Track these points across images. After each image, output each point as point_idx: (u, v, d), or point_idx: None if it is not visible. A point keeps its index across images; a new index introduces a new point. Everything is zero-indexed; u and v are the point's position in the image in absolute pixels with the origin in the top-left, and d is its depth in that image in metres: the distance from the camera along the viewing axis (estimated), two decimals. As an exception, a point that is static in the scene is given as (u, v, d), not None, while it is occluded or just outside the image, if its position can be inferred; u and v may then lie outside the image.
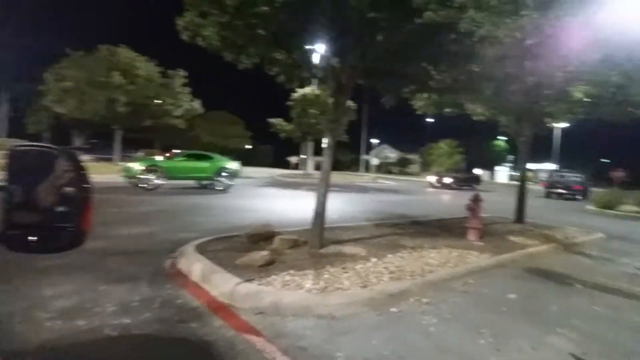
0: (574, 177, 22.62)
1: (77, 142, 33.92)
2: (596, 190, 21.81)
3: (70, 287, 3.63)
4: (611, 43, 6.65)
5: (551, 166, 52.26)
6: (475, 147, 57.87)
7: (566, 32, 4.93)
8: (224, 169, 14.83)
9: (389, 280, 4.03)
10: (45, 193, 1.04)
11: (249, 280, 3.69)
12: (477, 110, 10.45)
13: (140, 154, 29.18)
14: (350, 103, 27.77)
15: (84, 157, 16.76)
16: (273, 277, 3.83)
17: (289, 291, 3.52)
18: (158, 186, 12.93)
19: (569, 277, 5.18)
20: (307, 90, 26.88)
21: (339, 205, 12.26)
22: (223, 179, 14.63)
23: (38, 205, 1.05)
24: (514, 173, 50.53)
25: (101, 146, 26.44)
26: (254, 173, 30.97)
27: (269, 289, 3.52)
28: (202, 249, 4.76)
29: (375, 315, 3.41)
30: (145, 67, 21.98)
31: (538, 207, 14.60)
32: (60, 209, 1.08)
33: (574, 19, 5.15)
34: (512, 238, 7.12)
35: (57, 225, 1.09)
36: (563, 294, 4.46)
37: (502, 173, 48.80)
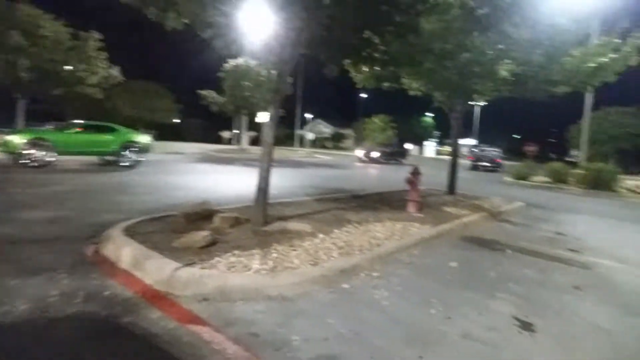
0: (494, 151, 25.06)
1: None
2: (510, 164, 24.08)
3: (-35, 284, 3.00)
4: (539, 24, 7.04)
5: (472, 141, 56.62)
6: (406, 122, 60.51)
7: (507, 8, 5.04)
8: (130, 142, 13.08)
9: (339, 256, 3.92)
10: None
11: (189, 264, 3.34)
12: (413, 85, 10.64)
13: (49, 126, 25.97)
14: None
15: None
16: (216, 259, 3.51)
17: (235, 273, 3.25)
18: (47, 163, 11.04)
19: (500, 243, 5.53)
20: (240, 61, 25.68)
21: (277, 181, 11.95)
22: (130, 154, 12.99)
23: None
24: (440, 148, 53.98)
25: (-1, 118, 22.94)
26: (184, 148, 29.29)
27: (212, 273, 3.21)
28: (131, 232, 4.25)
29: (328, 293, 3.28)
30: (52, 26, 19.11)
31: (464, 179, 15.62)
32: None
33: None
34: (447, 209, 7.45)
35: None
36: (497, 260, 4.72)
37: (430, 148, 51.63)
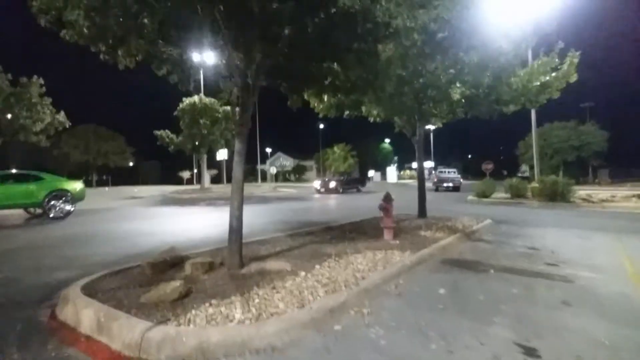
0: (453, 172, 26.27)
1: None
2: (468, 182, 25.00)
3: None
4: (485, 48, 7.43)
5: (430, 164, 58.73)
6: (365, 150, 61.93)
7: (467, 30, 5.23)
8: (59, 191, 11.77)
9: (325, 295, 3.67)
10: None
11: (161, 322, 2.96)
12: (372, 112, 10.83)
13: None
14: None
15: None
16: (193, 312, 3.15)
17: (216, 327, 2.90)
18: None
19: (481, 263, 5.49)
20: (195, 98, 25.38)
21: (246, 218, 11.56)
22: (60, 204, 11.69)
23: None
24: (401, 172, 55.46)
25: None
26: (141, 192, 28.03)
27: (189, 329, 2.85)
28: (91, 290, 3.78)
29: (320, 337, 3.01)
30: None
31: (431, 201, 15.88)
32: None
33: (467, 19, 5.54)
34: (422, 233, 7.41)
35: None
36: (483, 282, 4.63)
37: (392, 173, 52.89)
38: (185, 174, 56.41)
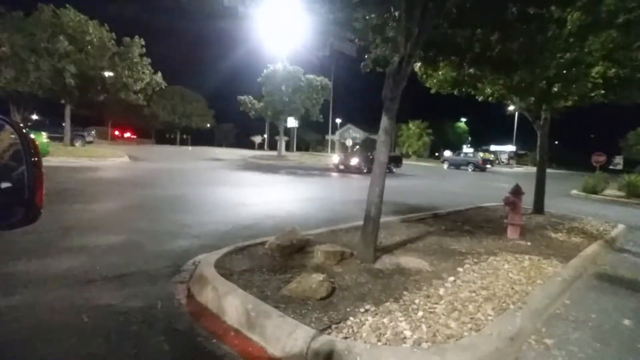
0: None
1: (16, 119, 30.01)
2: (554, 172, 22.31)
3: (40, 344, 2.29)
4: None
5: (510, 148, 54.27)
6: (438, 128, 58.54)
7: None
8: None
9: (494, 313, 3.02)
10: None
11: (324, 329, 2.52)
12: (486, 91, 9.61)
13: (92, 132, 26.32)
14: (326, 81, 26.47)
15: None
16: (350, 319, 2.69)
17: (390, 348, 2.40)
18: None
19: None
20: (279, 65, 25.20)
21: (334, 194, 11.21)
22: None
23: None
24: (480, 154, 51.77)
25: (46, 124, 23.29)
26: (222, 154, 29.08)
27: (361, 347, 2.37)
28: (223, 269, 3.50)
29: (513, 377, 2.39)
30: (97, 32, 19.16)
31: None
32: (6, 184, 0.97)
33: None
34: (551, 234, 6.41)
35: (6, 202, 0.97)
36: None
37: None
38: (257, 139, 57.88)
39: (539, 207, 8.56)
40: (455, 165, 34.65)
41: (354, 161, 20.37)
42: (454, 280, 3.65)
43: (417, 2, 3.24)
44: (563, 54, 6.39)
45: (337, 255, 3.92)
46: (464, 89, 8.92)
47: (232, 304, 2.86)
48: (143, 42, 20.54)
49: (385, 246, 4.74)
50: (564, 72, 7.75)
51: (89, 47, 19.19)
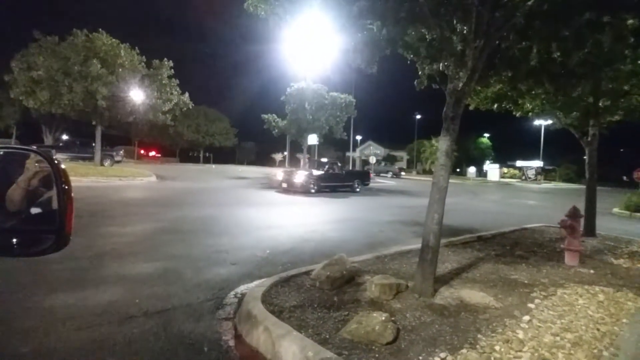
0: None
1: (48, 139, 31.04)
2: (579, 187, 21.20)
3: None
4: None
5: (537, 163, 52.61)
6: (460, 144, 57.48)
7: None
8: None
9: (590, 364, 2.60)
10: (18, 195, 0.96)
11: (401, 386, 2.17)
12: (526, 106, 9.18)
13: (120, 151, 26.86)
14: (350, 98, 26.37)
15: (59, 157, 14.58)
16: (428, 372, 2.33)
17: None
18: None
19: None
20: (303, 83, 25.28)
21: (366, 215, 10.84)
22: None
23: (12, 208, 0.96)
24: (504, 170, 50.43)
25: (77, 144, 23.93)
26: (245, 172, 29.15)
27: (450, 410, 2.02)
28: (272, 305, 3.21)
29: None
30: (128, 55, 19.72)
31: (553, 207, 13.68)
32: (37, 211, 1.01)
33: None
34: (613, 261, 5.86)
35: (37, 229, 1.01)
36: None
37: (494, 171, 48.28)
38: (278, 156, 58.15)
39: (590, 229, 7.95)
40: (377, 172, 40.26)
41: (299, 179, 15.89)
42: (530, 320, 3.24)
43: (484, 12, 2.96)
44: (619, 65, 5.96)
45: (393, 288, 3.57)
46: (503, 105, 8.55)
47: (288, 351, 2.54)
48: (172, 64, 21.02)
49: (439, 276, 4.34)
50: (615, 85, 7.31)
51: (120, 69, 19.73)
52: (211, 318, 3.27)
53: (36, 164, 1.03)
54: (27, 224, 1.01)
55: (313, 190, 16.02)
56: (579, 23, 3.51)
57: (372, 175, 21.38)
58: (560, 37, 3.67)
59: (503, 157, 58.41)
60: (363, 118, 77.09)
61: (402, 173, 46.35)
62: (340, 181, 17.92)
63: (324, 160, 21.36)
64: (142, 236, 6.36)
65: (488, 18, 3.07)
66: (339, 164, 19.08)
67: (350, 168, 25.25)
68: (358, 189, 18.35)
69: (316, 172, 16.92)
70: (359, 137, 64.65)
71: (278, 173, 17.88)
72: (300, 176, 16.06)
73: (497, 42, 3.43)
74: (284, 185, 16.30)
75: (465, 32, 3.25)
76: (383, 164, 49.77)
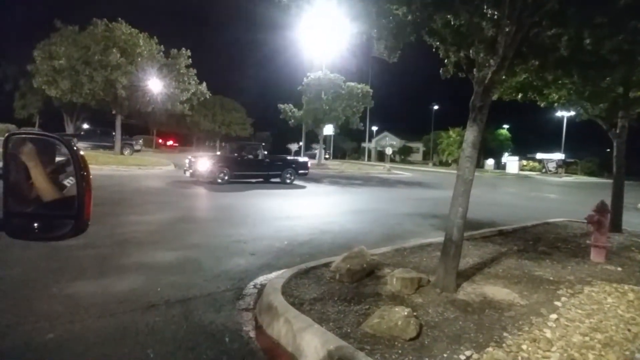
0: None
1: (69, 128, 31.72)
2: (602, 181, 20.48)
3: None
4: None
5: (559, 155, 51.25)
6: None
7: None
8: None
9: (622, 366, 2.50)
10: (41, 181, 0.99)
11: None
12: (552, 96, 8.86)
13: (139, 141, 27.28)
14: (367, 88, 26.08)
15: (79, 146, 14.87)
16: (454, 371, 2.27)
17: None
18: None
19: None
20: (320, 73, 25.10)
21: (383, 206, 10.74)
22: None
23: (34, 194, 0.99)
24: (523, 162, 49.25)
25: (98, 133, 24.36)
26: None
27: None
28: (292, 297, 3.19)
29: None
30: (146, 44, 19.85)
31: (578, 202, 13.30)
32: (58, 196, 1.02)
33: None
34: (641, 258, 5.65)
35: (56, 214, 1.03)
36: None
37: (513, 163, 47.22)
38: (293, 146, 58.20)
39: (616, 225, 7.69)
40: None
41: (204, 166, 13.09)
42: (557, 319, 3.13)
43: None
44: None
45: (415, 282, 3.51)
46: (528, 95, 8.27)
47: (310, 344, 2.51)
48: (189, 54, 21.07)
49: (460, 270, 4.24)
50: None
51: (139, 59, 19.90)
52: (231, 308, 3.27)
53: (60, 151, 1.06)
54: (47, 209, 1.03)
55: (220, 180, 13.15)
56: (617, 8, 3.32)
57: (309, 163, 16.94)
58: (595, 24, 3.48)
59: (522, 149, 56.88)
60: (379, 108, 76.07)
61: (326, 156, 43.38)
62: (263, 170, 14.72)
63: (242, 142, 18.54)
64: (162, 225, 6.43)
65: (521, 2, 2.92)
66: (263, 149, 15.52)
67: (295, 156, 19.35)
68: (290, 180, 15.09)
69: (226, 158, 14.06)
70: (374, 128, 64.12)
71: (186, 161, 14.26)
72: (204, 163, 13.14)
73: (527, 29, 3.26)
74: (187, 173, 13.55)
75: (496, 17, 3.10)
76: (311, 149, 44.19)
